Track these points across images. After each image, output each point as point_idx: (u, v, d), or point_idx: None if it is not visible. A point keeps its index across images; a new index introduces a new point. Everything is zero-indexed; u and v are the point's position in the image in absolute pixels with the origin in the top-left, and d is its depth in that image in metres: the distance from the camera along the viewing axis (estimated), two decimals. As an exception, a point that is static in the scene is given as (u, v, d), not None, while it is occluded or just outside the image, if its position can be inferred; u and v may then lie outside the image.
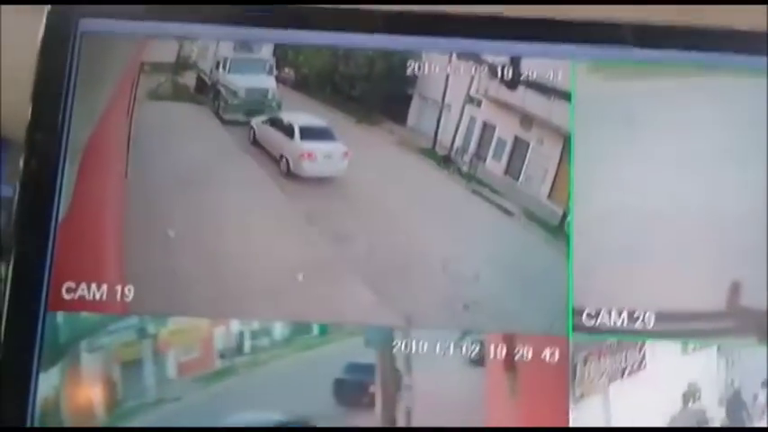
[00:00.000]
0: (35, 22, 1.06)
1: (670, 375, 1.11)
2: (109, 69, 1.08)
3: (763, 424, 1.11)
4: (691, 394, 1.13)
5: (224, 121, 1.13)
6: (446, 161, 1.16)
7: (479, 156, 1.17)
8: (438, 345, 1.05)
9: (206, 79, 1.14)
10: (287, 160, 1.13)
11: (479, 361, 1.06)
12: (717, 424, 1.12)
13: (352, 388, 1.05)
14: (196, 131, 1.09)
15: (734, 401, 1.14)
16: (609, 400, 1.09)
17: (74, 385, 0.98)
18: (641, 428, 1.07)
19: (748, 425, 1.11)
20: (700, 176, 1.14)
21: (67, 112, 1.05)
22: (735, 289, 1.11)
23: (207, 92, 1.14)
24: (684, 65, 1.15)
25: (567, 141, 1.13)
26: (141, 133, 1.07)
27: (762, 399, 1.13)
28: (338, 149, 1.12)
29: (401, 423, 1.04)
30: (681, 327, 1.11)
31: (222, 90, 1.14)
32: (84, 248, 1.02)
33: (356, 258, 1.08)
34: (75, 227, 1.02)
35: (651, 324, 1.10)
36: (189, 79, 1.13)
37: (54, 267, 1.00)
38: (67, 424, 0.97)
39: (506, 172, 1.17)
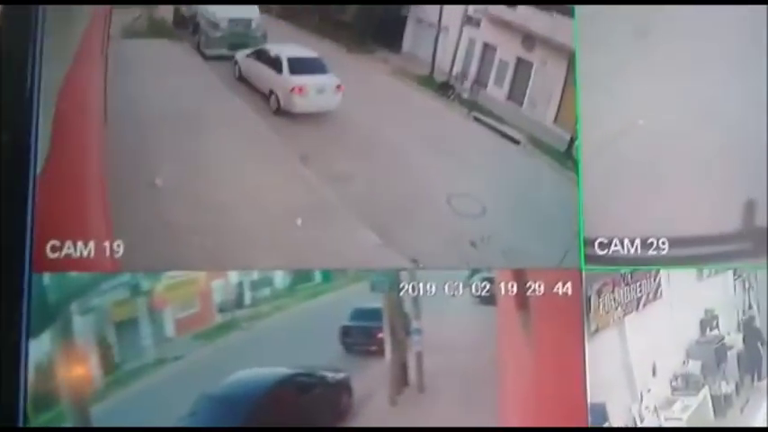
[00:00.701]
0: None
1: (686, 303, 1.08)
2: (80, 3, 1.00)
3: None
4: (708, 321, 1.10)
5: (206, 57, 1.07)
6: (445, 88, 1.11)
7: (480, 81, 1.12)
8: (446, 285, 1.01)
9: (184, 12, 1.07)
10: (276, 96, 1.07)
11: (490, 299, 1.02)
12: (736, 350, 1.10)
13: (359, 335, 1.02)
14: (177, 70, 1.03)
15: (752, 326, 1.11)
16: (625, 333, 1.06)
17: (67, 350, 0.93)
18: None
19: (766, 348, 1.09)
20: (713, 91, 1.09)
21: (38, 48, 0.96)
22: (750, 209, 1.08)
23: (186, 25, 1.08)
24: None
25: (571, 60, 1.07)
26: (118, 74, 1.00)
27: (780, 320, 1.11)
28: (331, 82, 1.06)
29: (412, 368, 1.01)
30: (696, 252, 1.07)
31: (202, 23, 1.08)
32: (66, 203, 0.95)
33: (356, 199, 1.03)
34: (55, 179, 0.95)
35: (666, 251, 1.06)
36: (166, 12, 1.06)
37: (35, 225, 0.94)
38: (62, 391, 0.92)
39: (509, 97, 1.13)
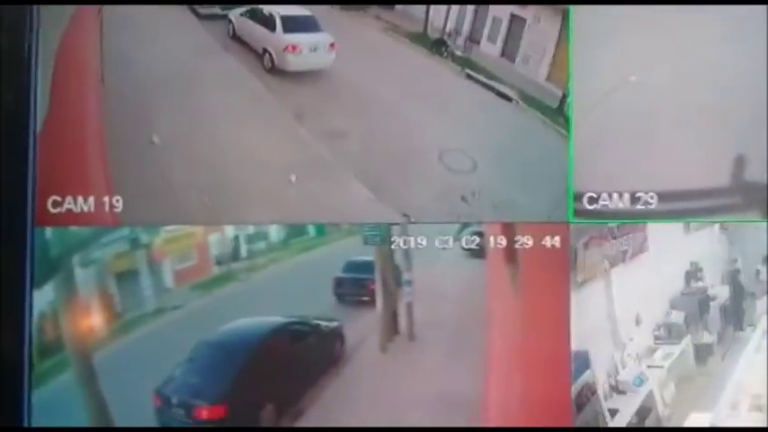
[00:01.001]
0: None
1: (672, 256, 1.11)
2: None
3: (765, 299, 1.12)
4: (693, 274, 1.13)
5: (200, 16, 1.08)
6: (438, 45, 1.12)
7: (473, 38, 1.13)
8: (437, 239, 1.04)
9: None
10: (270, 55, 1.09)
11: (479, 252, 1.05)
12: (719, 301, 1.13)
13: (352, 286, 1.05)
14: (171, 29, 1.04)
15: (736, 278, 1.14)
16: (611, 284, 1.09)
17: (70, 300, 0.97)
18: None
19: (750, 301, 1.12)
20: (704, 48, 1.10)
21: (35, 12, 0.98)
22: (739, 164, 1.09)
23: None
24: None
25: (565, 17, 1.08)
26: (113, 35, 1.02)
27: (763, 275, 1.13)
28: (324, 40, 1.08)
29: (402, 317, 1.04)
30: (683, 206, 1.09)
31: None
32: (66, 160, 0.98)
33: (349, 155, 1.05)
34: (55, 137, 0.98)
35: (653, 205, 1.08)
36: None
37: (37, 181, 0.97)
38: (66, 340, 0.97)
39: (502, 54, 1.13)
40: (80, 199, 0.97)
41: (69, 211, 0.97)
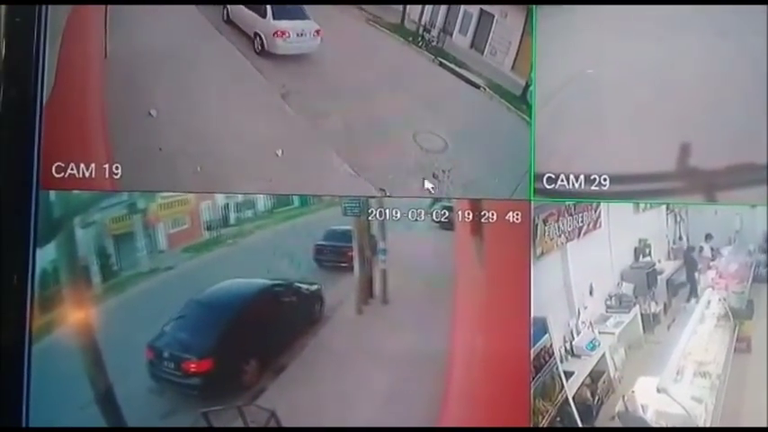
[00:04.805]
0: None
1: (623, 233, 1.20)
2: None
3: (709, 273, 1.22)
4: (641, 249, 1.23)
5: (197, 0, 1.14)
6: (415, 36, 1.19)
7: (446, 30, 1.20)
8: (410, 212, 1.13)
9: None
10: (261, 38, 1.15)
11: (448, 225, 1.13)
12: (666, 275, 1.23)
13: (331, 253, 1.13)
14: (170, 11, 1.10)
15: (680, 255, 1.24)
16: (567, 257, 1.18)
17: (70, 258, 1.04)
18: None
19: (694, 276, 1.22)
20: (656, 42, 1.20)
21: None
22: (684, 151, 1.19)
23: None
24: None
25: (529, 13, 1.17)
26: (117, 14, 1.09)
27: (706, 251, 1.23)
28: (310, 27, 1.15)
29: (377, 283, 1.12)
30: (634, 188, 1.19)
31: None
32: (70, 129, 1.05)
33: (331, 133, 1.13)
34: (60, 108, 1.05)
35: (606, 186, 1.17)
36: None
37: (42, 148, 1.04)
38: (66, 295, 1.03)
39: (472, 45, 1.21)
40: (82, 165, 1.04)
41: (72, 176, 1.04)
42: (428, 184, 1.13)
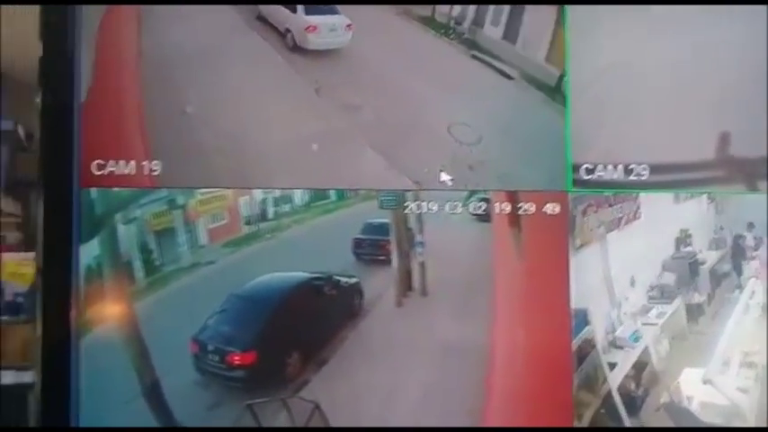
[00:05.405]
0: None
1: (663, 223, 1.19)
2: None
3: (752, 263, 1.20)
4: (683, 239, 1.21)
5: (230, -1, 1.15)
6: (446, 29, 1.20)
7: (478, 21, 1.20)
8: (447, 204, 1.12)
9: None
10: (292, 34, 1.16)
11: (485, 217, 1.13)
12: (708, 265, 1.21)
13: (369, 246, 1.13)
14: (203, 9, 1.11)
15: (723, 243, 1.23)
16: (607, 248, 1.17)
17: (113, 254, 1.05)
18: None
19: (738, 264, 1.20)
20: (692, 30, 1.19)
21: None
22: (724, 139, 1.18)
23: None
24: None
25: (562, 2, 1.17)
26: (151, 13, 1.10)
27: (749, 240, 1.22)
28: (341, 22, 1.15)
29: (416, 275, 1.12)
30: (674, 177, 1.18)
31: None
32: (108, 127, 1.07)
33: (366, 127, 1.13)
34: (99, 107, 1.06)
35: (646, 176, 1.16)
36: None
37: (82, 146, 1.05)
38: (110, 290, 1.05)
39: (504, 36, 1.21)
40: (122, 163, 1.06)
41: (112, 173, 1.05)
42: (463, 176, 1.13)
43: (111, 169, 1.05)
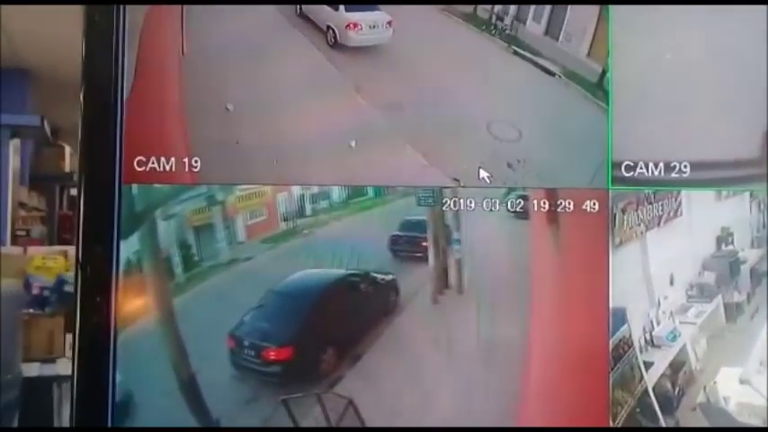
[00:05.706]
0: None
1: (704, 221, 1.18)
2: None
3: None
4: (724, 238, 1.20)
5: (270, -4, 1.16)
6: (488, 25, 1.19)
7: (519, 17, 1.19)
8: (484, 201, 1.12)
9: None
10: (333, 31, 1.16)
11: (524, 215, 1.13)
12: (749, 264, 1.20)
13: (406, 243, 1.13)
14: (244, 7, 1.12)
15: (763, 242, 1.21)
16: (646, 247, 1.16)
17: (153, 250, 1.07)
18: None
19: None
20: (736, 25, 1.17)
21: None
22: (766, 137, 1.16)
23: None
24: None
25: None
26: (193, 12, 1.11)
27: (792, 240, 1.20)
28: (382, 18, 1.15)
29: (452, 273, 1.12)
30: (715, 175, 1.16)
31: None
32: (150, 124, 1.08)
33: (405, 124, 1.13)
34: (141, 104, 1.08)
35: (687, 174, 1.15)
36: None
37: (124, 143, 1.07)
38: (149, 285, 1.07)
39: (546, 32, 1.20)
40: (162, 159, 1.07)
41: (153, 170, 1.07)
42: (502, 174, 1.12)
43: (153, 165, 1.07)
